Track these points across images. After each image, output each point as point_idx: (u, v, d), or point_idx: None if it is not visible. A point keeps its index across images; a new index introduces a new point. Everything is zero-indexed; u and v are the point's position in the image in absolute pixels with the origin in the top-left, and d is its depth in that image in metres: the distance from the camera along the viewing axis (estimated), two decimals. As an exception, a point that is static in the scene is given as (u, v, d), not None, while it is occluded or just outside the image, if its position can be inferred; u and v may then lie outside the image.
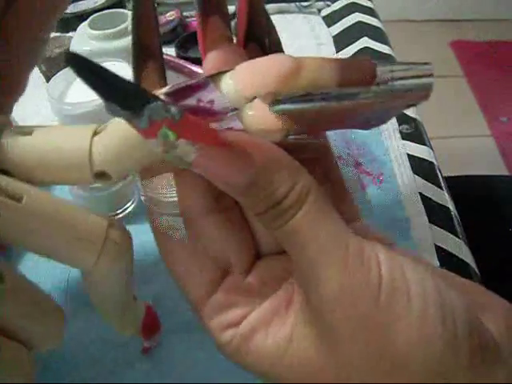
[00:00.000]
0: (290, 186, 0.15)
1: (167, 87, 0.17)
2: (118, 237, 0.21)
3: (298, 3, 0.70)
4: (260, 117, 0.15)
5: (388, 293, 0.15)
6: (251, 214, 0.19)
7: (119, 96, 0.13)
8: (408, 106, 0.18)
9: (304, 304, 0.17)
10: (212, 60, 0.19)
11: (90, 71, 0.13)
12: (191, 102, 0.16)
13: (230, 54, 0.19)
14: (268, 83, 0.15)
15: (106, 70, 0.13)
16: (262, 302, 0.18)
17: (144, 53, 0.20)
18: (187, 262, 0.19)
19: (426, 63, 0.16)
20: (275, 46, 0.23)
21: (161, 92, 0.17)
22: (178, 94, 0.16)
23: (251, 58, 0.18)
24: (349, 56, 0.62)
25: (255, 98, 0.15)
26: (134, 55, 0.20)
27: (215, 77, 0.15)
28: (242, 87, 0.15)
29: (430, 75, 0.16)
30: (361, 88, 0.15)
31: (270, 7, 0.70)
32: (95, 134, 0.19)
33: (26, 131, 0.19)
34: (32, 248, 0.20)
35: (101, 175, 0.19)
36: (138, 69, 0.20)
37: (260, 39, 0.21)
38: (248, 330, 0.18)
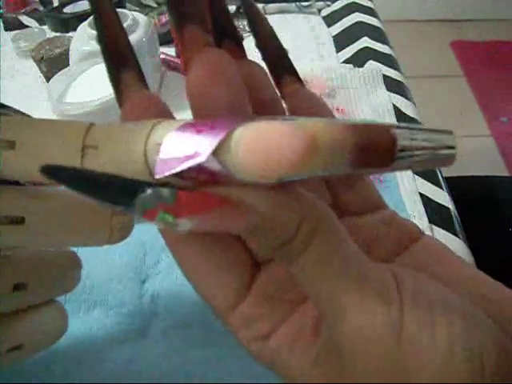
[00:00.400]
0: (294, 228, 0.14)
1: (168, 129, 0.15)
2: (121, 222, 0.22)
3: (298, 3, 0.70)
4: (250, 161, 0.13)
5: (411, 334, 0.14)
6: None
7: (106, 193, 0.12)
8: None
9: (328, 335, 0.16)
10: (195, 66, 0.17)
11: (72, 175, 0.12)
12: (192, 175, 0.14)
13: (214, 58, 0.17)
14: (278, 168, 0.12)
15: (87, 170, 0.13)
16: (288, 315, 0.17)
17: (116, 61, 0.19)
18: (211, 272, 0.18)
19: (448, 132, 0.15)
20: (268, 38, 0.21)
21: (166, 129, 0.15)
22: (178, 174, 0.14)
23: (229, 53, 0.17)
24: (350, 58, 0.62)
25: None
26: (107, 66, 0.19)
27: (217, 149, 0.13)
28: (248, 168, 0.13)
29: (452, 147, 0.15)
30: (377, 169, 0.14)
31: (270, 7, 0.70)
32: (84, 147, 0.17)
33: (8, 143, 0.18)
34: (39, 248, 0.21)
35: None
36: (115, 80, 0.19)
37: (232, 35, 0.20)
38: (274, 349, 0.17)
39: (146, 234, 0.39)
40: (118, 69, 0.19)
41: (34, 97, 0.58)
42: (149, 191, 0.12)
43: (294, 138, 0.12)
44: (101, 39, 0.18)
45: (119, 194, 0.12)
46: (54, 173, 0.13)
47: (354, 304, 0.14)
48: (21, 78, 0.62)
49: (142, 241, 0.40)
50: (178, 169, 0.14)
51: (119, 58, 0.19)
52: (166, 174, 0.14)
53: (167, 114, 0.18)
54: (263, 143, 0.13)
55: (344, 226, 0.17)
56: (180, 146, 0.14)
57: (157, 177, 0.14)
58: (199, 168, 0.13)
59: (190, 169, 0.14)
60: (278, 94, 0.21)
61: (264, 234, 0.14)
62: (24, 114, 0.27)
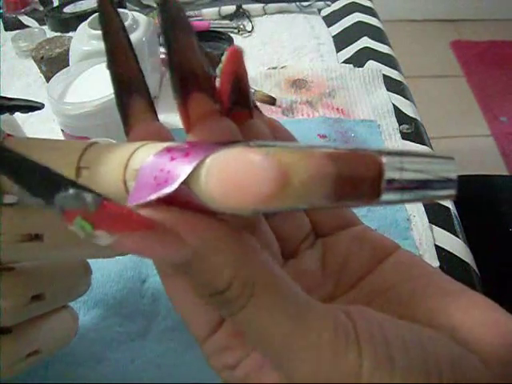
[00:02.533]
0: (230, 275, 0.13)
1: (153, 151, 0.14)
2: None
3: (298, 3, 0.70)
4: (222, 192, 0.12)
5: (370, 372, 0.14)
6: None
7: (28, 182, 0.12)
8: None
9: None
10: (196, 135, 0.17)
11: (3, 155, 0.12)
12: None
13: (216, 127, 0.16)
14: (246, 203, 0.12)
15: (18, 154, 0.12)
16: (253, 350, 0.18)
17: (126, 89, 0.18)
18: (191, 303, 0.18)
19: (449, 158, 0.13)
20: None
21: (151, 150, 0.14)
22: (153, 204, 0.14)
23: (236, 118, 0.17)
24: (350, 58, 0.62)
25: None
26: (116, 93, 0.18)
27: (190, 179, 0.13)
28: (215, 199, 0.12)
29: (452, 181, 0.12)
30: (361, 203, 0.12)
31: (270, 7, 0.70)
32: (79, 168, 0.17)
33: None
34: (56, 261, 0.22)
35: None
36: (123, 107, 0.18)
37: (244, 103, 0.18)
38: (242, 377, 0.17)
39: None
40: (128, 96, 0.18)
41: (34, 97, 0.58)
42: (71, 191, 0.11)
43: (265, 172, 0.11)
44: (110, 63, 0.18)
45: (42, 187, 0.12)
46: None
47: (309, 352, 0.14)
48: (21, 78, 0.62)
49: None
50: (147, 199, 0.13)
51: (130, 84, 0.18)
52: (136, 203, 0.13)
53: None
54: (234, 175, 0.12)
55: (316, 250, 0.18)
56: (153, 174, 0.14)
57: (129, 205, 0.13)
58: (171, 196, 0.13)
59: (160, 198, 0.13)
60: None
61: (196, 274, 0.14)
62: (31, 104, 0.27)
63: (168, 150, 0.14)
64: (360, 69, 0.58)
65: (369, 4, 0.72)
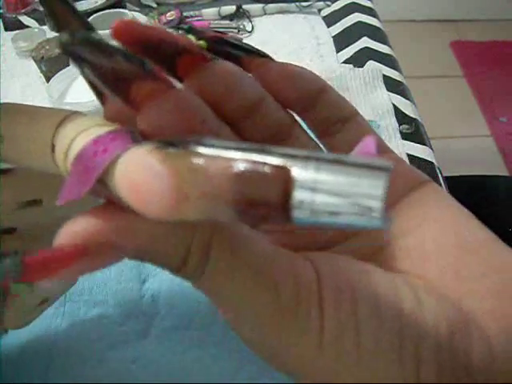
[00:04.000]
0: (182, 255, 0.13)
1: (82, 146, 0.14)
2: None
3: (298, 3, 0.70)
4: (128, 198, 0.11)
5: (331, 339, 0.13)
6: None
7: None
8: None
9: None
10: (145, 117, 0.15)
11: None
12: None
13: (164, 104, 0.15)
14: (150, 213, 0.11)
15: None
16: None
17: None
18: None
19: (381, 169, 0.10)
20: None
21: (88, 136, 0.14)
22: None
23: (185, 66, 0.16)
24: (350, 58, 0.62)
25: None
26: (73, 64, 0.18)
27: (104, 178, 0.12)
28: (130, 201, 0.12)
29: (375, 211, 0.09)
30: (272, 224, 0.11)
31: (270, 7, 0.70)
32: (53, 145, 0.17)
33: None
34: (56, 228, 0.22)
35: None
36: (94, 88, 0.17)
37: (189, 49, 0.17)
38: None
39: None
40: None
41: (34, 97, 0.58)
42: None
43: (161, 183, 0.11)
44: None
45: None
46: None
47: (267, 314, 0.13)
48: (21, 78, 0.62)
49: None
50: (71, 198, 0.13)
51: None
52: (60, 203, 0.13)
53: None
54: (136, 183, 0.11)
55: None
56: (79, 168, 0.13)
57: (58, 204, 0.13)
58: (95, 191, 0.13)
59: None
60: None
61: (151, 262, 0.13)
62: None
63: (95, 142, 0.13)
64: (360, 69, 0.58)
65: (369, 4, 0.72)
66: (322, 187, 0.10)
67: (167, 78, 0.15)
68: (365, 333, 0.13)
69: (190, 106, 0.15)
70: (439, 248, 0.15)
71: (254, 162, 0.10)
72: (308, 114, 0.18)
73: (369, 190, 0.09)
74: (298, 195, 0.10)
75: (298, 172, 0.10)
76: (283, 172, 0.10)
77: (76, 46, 0.12)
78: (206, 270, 0.13)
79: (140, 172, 0.11)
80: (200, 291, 0.14)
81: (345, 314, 0.13)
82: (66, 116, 0.17)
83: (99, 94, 0.17)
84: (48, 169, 0.17)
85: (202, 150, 0.11)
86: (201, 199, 0.10)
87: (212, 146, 0.11)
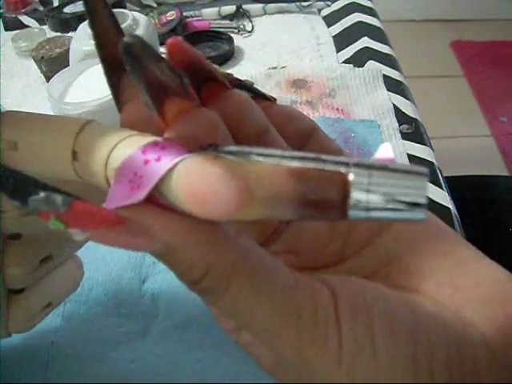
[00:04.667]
0: (206, 265, 0.13)
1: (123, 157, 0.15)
2: None
3: (298, 3, 0.70)
4: (190, 201, 0.12)
5: (350, 357, 0.13)
6: None
7: (6, 186, 0.13)
8: None
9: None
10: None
11: None
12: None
13: (194, 120, 0.16)
14: (211, 215, 0.12)
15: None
16: None
17: (115, 69, 0.19)
18: None
19: (420, 172, 0.12)
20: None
21: (131, 145, 0.15)
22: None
23: (210, 93, 0.17)
24: (350, 58, 0.62)
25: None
26: (106, 74, 0.19)
27: (159, 186, 0.13)
28: (184, 207, 0.13)
29: (421, 205, 0.12)
30: (327, 221, 0.12)
31: (270, 7, 0.70)
32: (74, 148, 0.18)
33: (11, 144, 0.19)
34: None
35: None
36: (113, 87, 0.19)
37: (213, 77, 0.18)
38: (247, 340, 0.18)
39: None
40: (117, 75, 0.18)
41: (34, 97, 0.58)
42: (41, 194, 0.12)
43: (228, 188, 0.12)
44: (97, 45, 0.18)
45: (16, 191, 0.13)
46: None
47: (290, 337, 0.14)
48: (21, 78, 0.62)
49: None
50: (120, 205, 0.14)
51: (118, 63, 0.18)
52: (114, 206, 0.14)
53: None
54: (199, 188, 0.12)
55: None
56: (128, 177, 0.14)
57: (107, 207, 0.14)
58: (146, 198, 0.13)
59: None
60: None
61: (170, 266, 0.14)
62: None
63: (143, 151, 0.14)
64: (360, 69, 0.58)
65: (369, 4, 0.72)
66: (374, 189, 0.12)
67: (196, 97, 0.17)
68: (381, 349, 0.14)
69: (215, 123, 0.16)
70: (432, 265, 0.17)
71: (315, 168, 0.12)
72: (303, 148, 0.20)
73: (415, 190, 0.12)
74: (355, 196, 0.11)
75: (354, 176, 0.12)
76: (342, 176, 0.12)
77: (137, 47, 0.13)
78: (225, 295, 0.14)
79: (205, 179, 0.12)
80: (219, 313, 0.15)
81: (361, 331, 0.14)
82: (84, 124, 0.17)
83: (117, 101, 0.18)
84: (65, 176, 0.18)
85: (260, 158, 0.13)
86: (264, 201, 0.12)
87: (269, 155, 0.13)
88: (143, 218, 0.13)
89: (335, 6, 0.71)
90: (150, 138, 0.15)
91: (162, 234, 0.13)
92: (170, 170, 0.13)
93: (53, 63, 0.56)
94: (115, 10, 0.55)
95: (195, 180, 0.12)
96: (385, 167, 0.12)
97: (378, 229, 0.18)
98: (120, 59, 0.18)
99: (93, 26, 0.18)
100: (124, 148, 0.15)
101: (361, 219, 0.12)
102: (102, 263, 0.38)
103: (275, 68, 0.59)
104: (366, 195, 0.12)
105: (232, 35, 0.64)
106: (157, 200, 0.14)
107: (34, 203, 0.12)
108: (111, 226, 0.13)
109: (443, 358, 0.14)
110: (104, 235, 0.13)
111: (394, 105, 0.53)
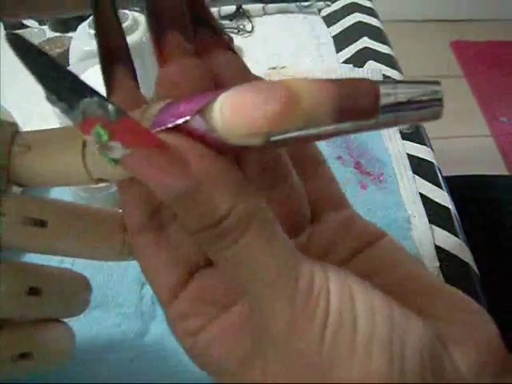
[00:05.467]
0: (229, 207, 0.14)
1: (155, 110, 0.15)
2: None
3: (298, 3, 0.70)
4: (234, 118, 0.13)
5: (333, 329, 0.14)
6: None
7: (56, 85, 0.12)
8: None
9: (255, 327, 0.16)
10: (165, 75, 0.17)
11: (32, 55, 0.12)
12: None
13: (187, 67, 0.17)
14: (262, 123, 0.13)
15: (49, 58, 0.12)
16: (220, 313, 0.18)
17: (110, 57, 0.19)
18: (157, 263, 0.18)
19: (434, 82, 0.14)
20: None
21: (150, 115, 0.15)
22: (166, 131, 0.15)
23: (204, 43, 0.18)
24: (350, 58, 0.62)
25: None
26: (101, 61, 0.19)
27: (203, 110, 0.14)
28: (233, 126, 0.13)
29: (439, 100, 0.14)
30: (361, 122, 0.14)
31: (270, 7, 0.70)
32: (85, 144, 0.19)
33: (25, 145, 0.20)
34: (57, 255, 0.22)
35: (101, 179, 0.20)
36: (107, 75, 0.19)
37: (207, 23, 0.19)
38: (205, 344, 0.17)
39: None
40: (111, 64, 0.19)
41: (34, 97, 0.58)
42: (96, 98, 0.12)
43: (274, 92, 0.13)
44: (96, 34, 0.19)
45: (67, 91, 0.12)
46: (18, 44, 0.12)
47: (285, 298, 0.14)
48: (21, 78, 0.62)
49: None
50: (170, 124, 0.14)
51: (114, 53, 0.19)
52: (162, 127, 0.14)
53: None
54: (246, 100, 0.13)
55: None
56: (170, 113, 0.14)
57: (154, 130, 0.14)
58: (188, 128, 0.14)
59: (180, 129, 0.14)
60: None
61: (192, 205, 0.14)
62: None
63: (174, 100, 0.15)
64: (360, 69, 0.58)
65: (369, 4, 0.72)
66: (400, 95, 0.13)
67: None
68: (362, 327, 0.14)
69: (208, 74, 0.17)
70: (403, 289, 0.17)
71: (349, 78, 0.13)
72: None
73: (432, 92, 0.14)
74: (385, 100, 0.13)
75: (382, 85, 0.13)
76: (373, 84, 0.13)
77: None
78: (240, 241, 0.14)
79: (255, 91, 0.13)
80: (220, 267, 0.15)
81: (346, 308, 0.14)
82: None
83: (108, 90, 0.19)
84: (76, 173, 0.18)
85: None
86: (310, 102, 0.13)
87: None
88: (183, 148, 0.14)
89: (335, 6, 0.71)
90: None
91: (197, 168, 0.13)
92: (213, 98, 0.13)
93: (53, 63, 0.56)
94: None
95: (243, 95, 0.13)
96: (405, 81, 0.14)
97: (365, 242, 0.19)
98: (116, 48, 0.19)
99: (95, 12, 0.19)
100: (154, 105, 0.16)
101: (391, 120, 0.13)
102: (103, 266, 0.38)
103: (275, 68, 0.59)
104: (393, 98, 0.13)
105: (232, 35, 0.64)
106: (197, 137, 0.14)
107: (86, 106, 0.12)
108: (152, 145, 0.13)
109: (415, 349, 0.14)
110: (144, 156, 0.13)
111: (393, 105, 0.53)
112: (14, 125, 0.21)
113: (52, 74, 0.12)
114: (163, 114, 0.15)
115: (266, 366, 0.15)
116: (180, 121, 0.14)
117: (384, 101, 0.13)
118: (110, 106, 0.12)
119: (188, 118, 0.14)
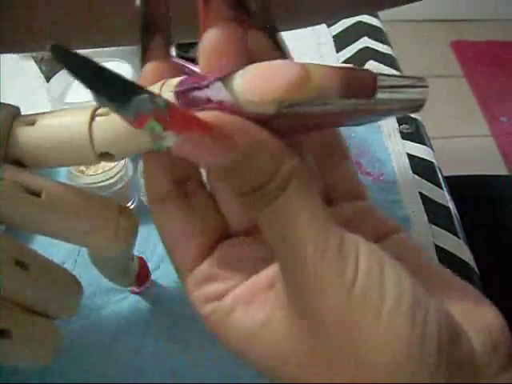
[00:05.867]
0: (273, 170, 0.15)
1: (177, 81, 0.17)
2: (128, 224, 0.23)
3: (297, 3, 0.70)
4: (252, 86, 0.15)
5: (362, 289, 0.15)
6: (221, 195, 0.19)
7: (106, 87, 0.13)
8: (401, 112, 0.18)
9: (284, 289, 0.17)
10: (209, 38, 0.18)
11: (77, 63, 0.13)
12: (200, 100, 0.16)
13: (232, 31, 0.18)
14: (276, 91, 0.14)
15: (94, 63, 0.13)
16: (244, 279, 0.18)
17: (151, 25, 0.20)
18: (178, 232, 0.19)
19: (419, 78, 0.17)
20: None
21: (171, 88, 0.17)
22: (187, 93, 0.16)
23: (241, 22, 0.18)
24: (350, 58, 0.62)
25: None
26: (142, 27, 0.20)
27: (225, 78, 0.15)
28: (250, 93, 0.15)
29: (425, 88, 0.17)
30: (361, 101, 0.15)
31: (269, 7, 0.70)
32: (94, 116, 0.20)
33: (30, 121, 0.21)
34: (50, 236, 0.22)
35: (104, 155, 0.20)
36: (144, 41, 0.20)
37: (244, 5, 0.19)
38: (229, 306, 0.18)
39: (145, 240, 0.39)
40: (151, 33, 0.20)
41: (33, 97, 0.58)
42: (146, 95, 0.13)
43: (289, 66, 0.15)
44: (144, 3, 0.20)
45: (118, 92, 0.13)
46: (61, 54, 0.13)
47: (317, 254, 0.15)
48: (21, 77, 0.62)
49: (141, 242, 0.40)
50: (193, 86, 0.16)
51: (155, 24, 0.20)
52: (186, 87, 0.16)
53: None
54: (263, 72, 0.15)
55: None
56: (191, 80, 0.16)
57: (177, 89, 0.16)
58: (209, 96, 0.15)
59: (200, 98, 0.16)
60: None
61: (241, 174, 0.15)
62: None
63: (187, 77, 0.17)
64: (360, 69, 0.58)
65: (369, 4, 0.71)
66: (393, 82, 0.16)
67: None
68: (389, 292, 0.15)
69: (246, 44, 0.18)
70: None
71: (354, 67, 0.16)
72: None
73: (419, 80, 0.17)
74: (382, 83, 0.16)
75: (379, 76, 0.16)
76: (372, 73, 0.16)
77: None
78: (281, 197, 0.15)
79: (274, 65, 0.15)
80: (262, 225, 0.16)
81: (375, 273, 0.15)
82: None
83: (143, 58, 0.20)
84: (80, 148, 0.19)
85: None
86: (320, 79, 0.15)
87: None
88: (226, 125, 0.15)
89: (335, 6, 0.71)
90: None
91: (242, 140, 0.15)
92: (235, 70, 0.15)
93: (53, 63, 0.56)
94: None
95: (263, 68, 0.15)
96: (397, 75, 0.17)
97: (381, 234, 0.19)
98: (158, 20, 0.20)
99: None
100: (172, 81, 0.17)
101: (386, 100, 0.16)
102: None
103: (275, 68, 0.59)
104: (388, 82, 0.16)
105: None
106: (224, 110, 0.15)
107: (138, 103, 0.13)
108: (202, 132, 0.14)
109: (435, 331, 0.15)
110: (194, 140, 0.14)
111: (393, 105, 0.53)
112: (16, 107, 0.21)
113: (99, 77, 0.13)
114: (184, 84, 0.16)
115: (291, 322, 0.16)
116: (204, 82, 0.15)
117: (381, 83, 0.16)
118: (160, 100, 0.13)
119: (212, 79, 0.15)
